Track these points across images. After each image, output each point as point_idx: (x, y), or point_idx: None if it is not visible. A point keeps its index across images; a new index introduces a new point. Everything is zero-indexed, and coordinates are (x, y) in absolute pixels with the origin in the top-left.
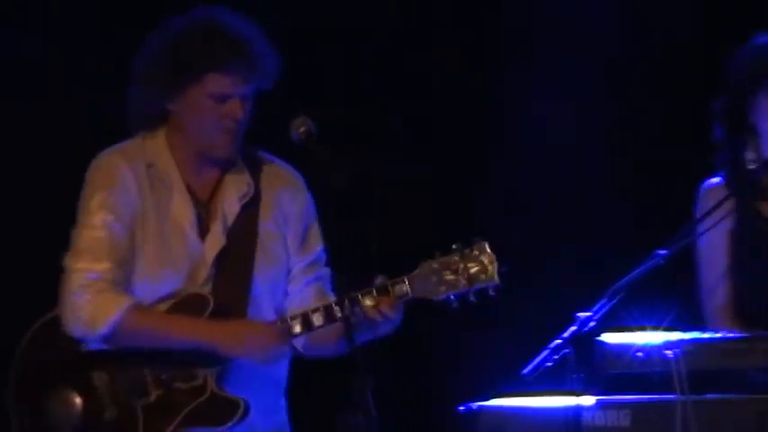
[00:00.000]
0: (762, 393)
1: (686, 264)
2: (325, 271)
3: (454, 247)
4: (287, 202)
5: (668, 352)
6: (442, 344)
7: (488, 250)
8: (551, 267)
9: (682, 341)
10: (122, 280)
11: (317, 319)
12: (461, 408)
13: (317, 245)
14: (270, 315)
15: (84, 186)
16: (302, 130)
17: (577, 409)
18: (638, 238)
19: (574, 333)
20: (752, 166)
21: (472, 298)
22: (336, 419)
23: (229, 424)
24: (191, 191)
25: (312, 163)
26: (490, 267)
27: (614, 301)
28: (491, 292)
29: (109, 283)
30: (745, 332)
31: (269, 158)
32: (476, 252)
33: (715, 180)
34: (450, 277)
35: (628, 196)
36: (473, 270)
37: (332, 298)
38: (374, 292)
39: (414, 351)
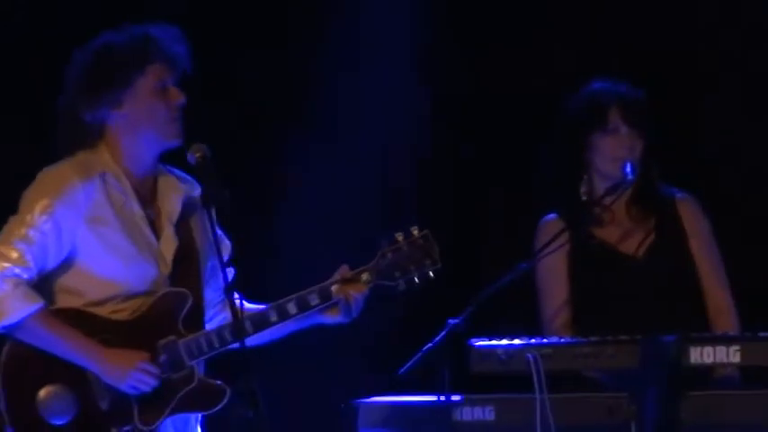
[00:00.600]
0: (611, 392)
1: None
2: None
3: (399, 237)
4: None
5: (529, 354)
6: (328, 343)
7: (431, 238)
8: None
9: (540, 344)
10: (37, 285)
11: (273, 317)
12: (344, 404)
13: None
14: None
15: (33, 185)
16: (198, 155)
17: (447, 405)
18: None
19: (444, 337)
20: (584, 198)
21: (417, 281)
22: (228, 413)
23: (217, 407)
24: (138, 196)
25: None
26: (433, 253)
27: (478, 308)
28: (432, 274)
29: (27, 283)
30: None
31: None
32: (420, 240)
33: (551, 216)
34: (402, 263)
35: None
36: (419, 256)
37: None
38: (341, 281)
39: (301, 349)
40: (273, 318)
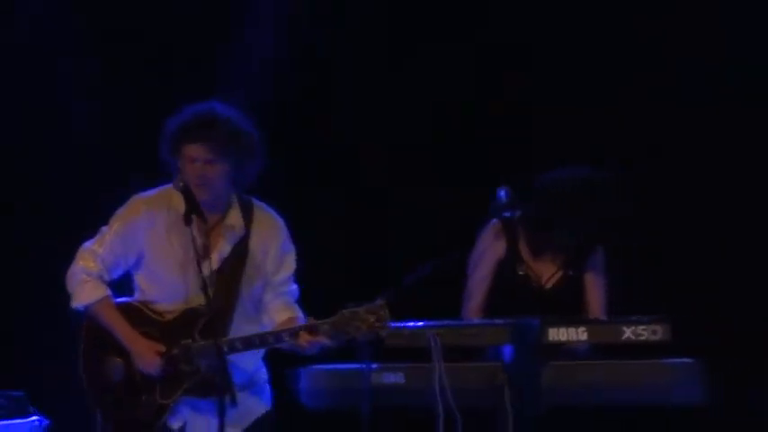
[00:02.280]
0: (493, 362)
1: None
2: (293, 288)
3: (356, 306)
4: (268, 237)
5: (428, 333)
6: None
7: (386, 309)
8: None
9: (437, 325)
10: (107, 279)
11: (255, 342)
12: (288, 370)
13: (289, 269)
14: (251, 318)
15: (120, 209)
16: (181, 184)
17: (368, 371)
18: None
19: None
20: (507, 214)
21: (362, 339)
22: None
23: (212, 396)
24: (200, 229)
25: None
26: (384, 318)
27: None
28: (382, 334)
29: (95, 278)
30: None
31: (258, 204)
32: (375, 309)
33: (492, 222)
34: (355, 324)
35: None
36: (372, 319)
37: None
38: (305, 328)
39: None
40: (256, 343)
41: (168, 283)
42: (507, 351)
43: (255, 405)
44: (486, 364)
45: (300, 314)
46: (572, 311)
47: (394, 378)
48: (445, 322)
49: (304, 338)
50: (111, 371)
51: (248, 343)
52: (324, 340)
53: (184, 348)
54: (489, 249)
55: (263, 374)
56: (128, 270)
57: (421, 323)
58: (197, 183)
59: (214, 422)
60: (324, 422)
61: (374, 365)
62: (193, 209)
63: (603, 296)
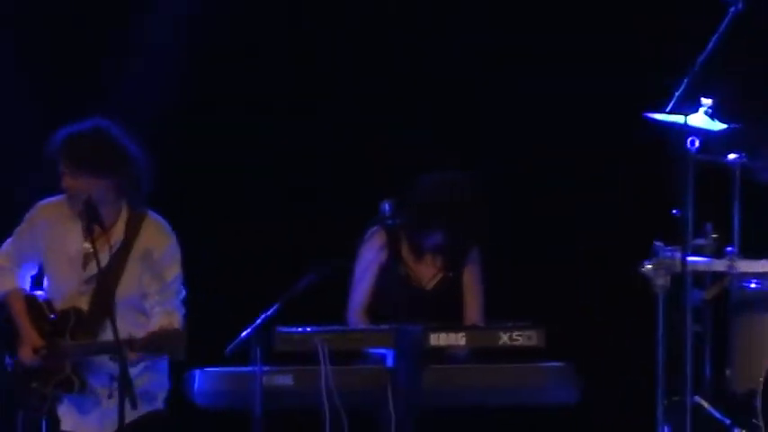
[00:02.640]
0: (378, 365)
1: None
2: (175, 297)
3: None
4: (152, 248)
5: (316, 338)
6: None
7: (182, 336)
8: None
9: (324, 331)
10: (18, 273)
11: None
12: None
13: (168, 277)
14: (132, 322)
15: (27, 212)
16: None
17: (259, 374)
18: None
19: (258, 324)
20: (389, 222)
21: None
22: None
23: (71, 394)
24: (87, 236)
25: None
26: (181, 341)
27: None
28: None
29: (7, 271)
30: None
31: (151, 216)
32: (172, 333)
33: (374, 229)
34: (168, 343)
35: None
36: (177, 342)
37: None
38: (126, 343)
39: None
40: (107, 349)
41: (58, 283)
42: (390, 355)
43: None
44: (371, 367)
45: (178, 324)
46: (452, 311)
47: (283, 380)
48: (332, 328)
49: (130, 353)
50: (20, 358)
51: (101, 348)
52: (137, 356)
53: (52, 346)
54: (371, 255)
55: (148, 380)
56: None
57: (309, 329)
58: (67, 193)
59: (89, 419)
60: (216, 423)
61: (265, 368)
62: (91, 217)
63: (481, 296)
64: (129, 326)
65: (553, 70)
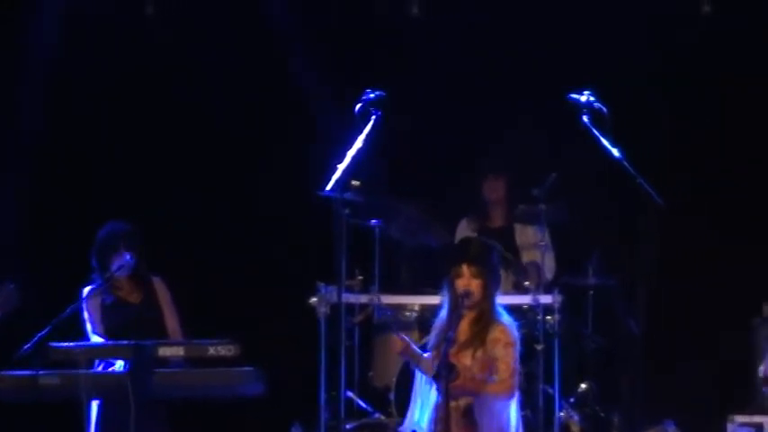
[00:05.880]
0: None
1: None
2: None
3: None
4: None
5: (78, 351)
6: None
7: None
8: None
9: (84, 345)
10: None
11: None
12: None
13: None
14: None
15: None
16: None
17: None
18: None
19: (34, 341)
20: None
21: None
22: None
23: None
24: None
25: None
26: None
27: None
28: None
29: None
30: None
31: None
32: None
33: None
34: None
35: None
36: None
37: None
38: None
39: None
40: None
41: None
42: (128, 363)
43: None
44: (113, 373)
45: None
46: (157, 325)
47: (51, 381)
48: (89, 344)
49: None
50: None
51: None
52: None
53: None
54: (93, 304)
55: None
56: None
57: (72, 344)
58: None
59: None
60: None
61: (41, 371)
62: None
63: (175, 315)
64: None
65: None
